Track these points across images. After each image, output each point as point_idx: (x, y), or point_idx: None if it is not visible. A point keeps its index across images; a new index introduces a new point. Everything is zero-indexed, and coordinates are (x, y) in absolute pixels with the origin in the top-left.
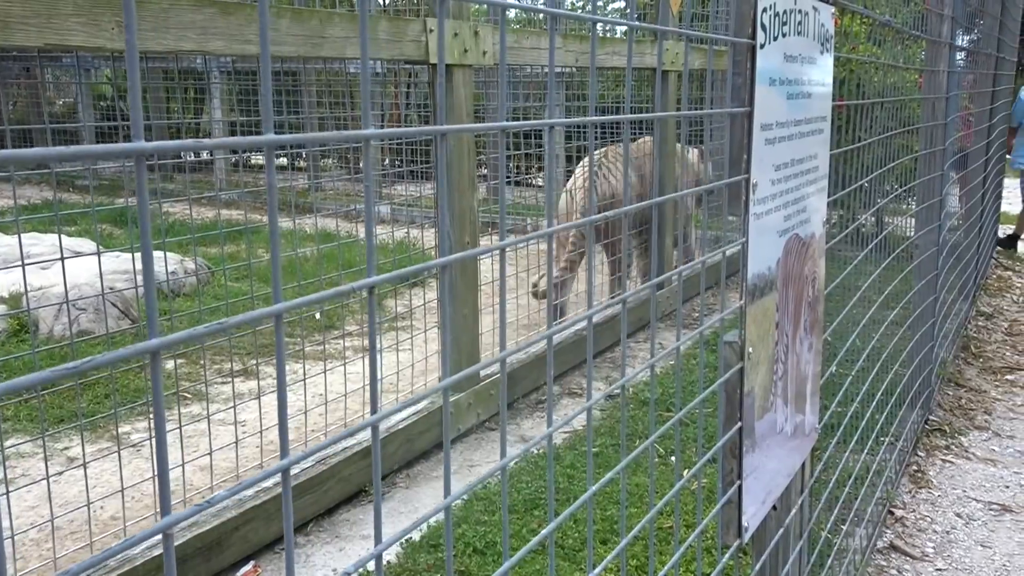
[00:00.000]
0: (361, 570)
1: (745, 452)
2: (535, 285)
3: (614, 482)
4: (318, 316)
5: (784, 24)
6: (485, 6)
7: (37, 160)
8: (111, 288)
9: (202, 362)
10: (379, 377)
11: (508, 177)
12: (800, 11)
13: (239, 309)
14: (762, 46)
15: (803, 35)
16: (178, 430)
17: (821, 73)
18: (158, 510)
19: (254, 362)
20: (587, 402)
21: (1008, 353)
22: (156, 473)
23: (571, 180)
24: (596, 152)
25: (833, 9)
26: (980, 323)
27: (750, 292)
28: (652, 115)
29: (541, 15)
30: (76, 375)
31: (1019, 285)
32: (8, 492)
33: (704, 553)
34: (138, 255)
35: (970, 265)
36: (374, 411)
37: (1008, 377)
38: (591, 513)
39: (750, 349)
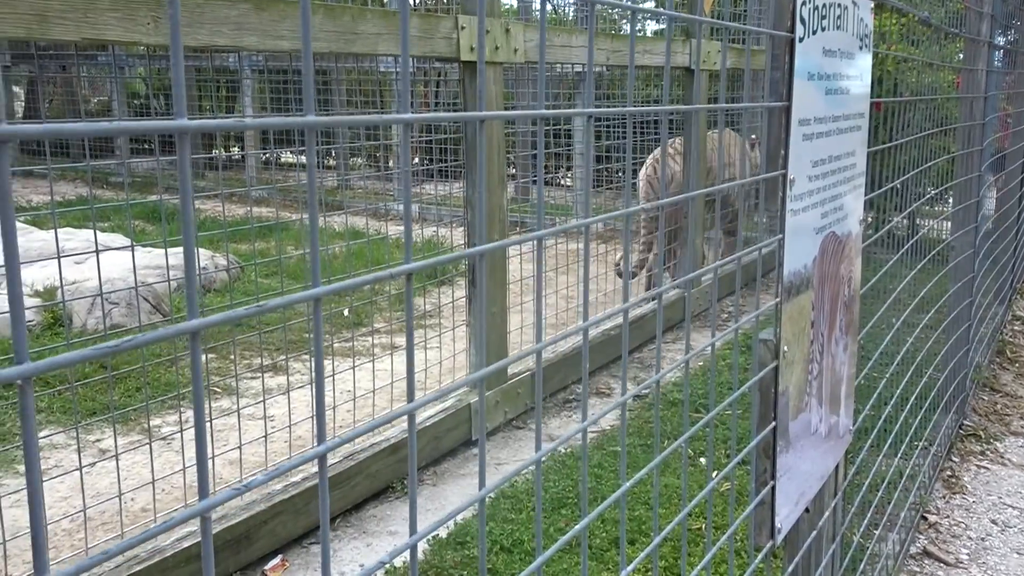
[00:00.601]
0: (388, 567)
1: (779, 452)
2: (617, 264)
3: (642, 482)
4: (346, 313)
5: (823, 18)
6: (516, 4)
7: (39, 136)
8: (143, 283)
9: (232, 357)
10: (413, 365)
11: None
12: (840, 5)
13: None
14: (801, 40)
15: (842, 30)
16: (208, 423)
17: (859, 69)
18: (187, 501)
19: (283, 358)
20: (622, 396)
21: None
22: (196, 456)
23: (644, 168)
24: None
25: (872, 4)
26: (1016, 328)
27: (786, 290)
28: (690, 107)
29: (571, 14)
30: (113, 354)
31: None
32: (41, 482)
33: (734, 555)
34: (171, 250)
35: (1006, 268)
36: (411, 399)
37: None
38: (623, 512)
39: (785, 347)
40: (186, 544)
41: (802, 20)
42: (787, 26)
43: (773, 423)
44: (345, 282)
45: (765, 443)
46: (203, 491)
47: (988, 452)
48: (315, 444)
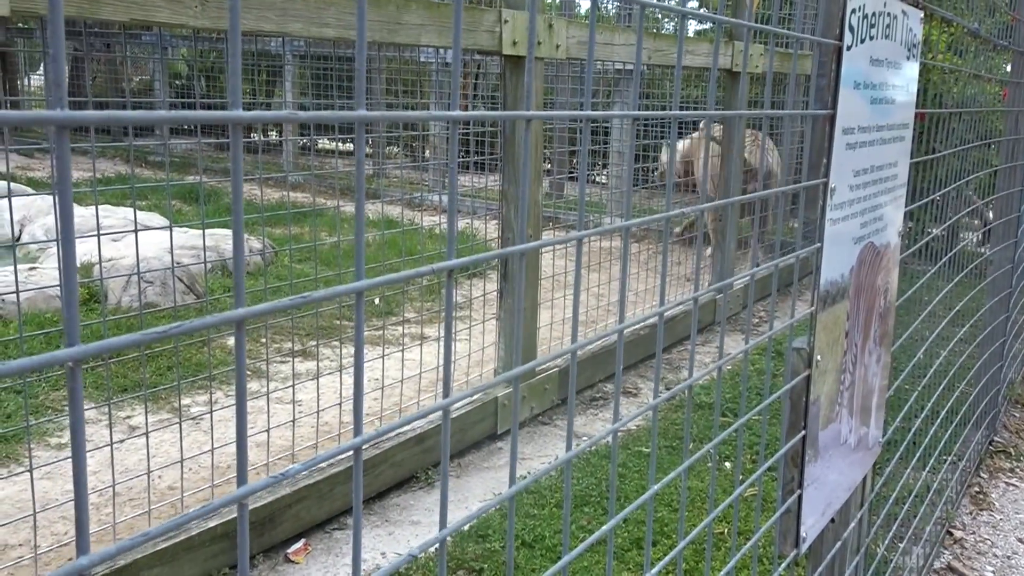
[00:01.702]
0: (390, 564)
1: (807, 461)
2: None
3: (665, 484)
4: (377, 301)
5: (872, 27)
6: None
7: (100, 122)
8: (178, 263)
9: (263, 340)
10: (451, 361)
11: (572, 173)
12: (889, 14)
13: (301, 289)
14: (849, 48)
15: (891, 39)
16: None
17: (906, 79)
18: (214, 482)
19: (313, 343)
20: (653, 400)
21: None
22: (236, 444)
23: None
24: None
25: (922, 14)
26: None
27: (822, 299)
28: (734, 112)
29: (612, 11)
30: (161, 339)
31: None
32: (85, 465)
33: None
34: (208, 231)
35: None
36: (446, 394)
37: None
38: (651, 515)
39: (818, 357)
40: (211, 523)
41: (851, 28)
42: (835, 34)
43: (803, 432)
44: (388, 276)
45: (794, 452)
46: (241, 478)
47: (1018, 470)
48: (345, 434)
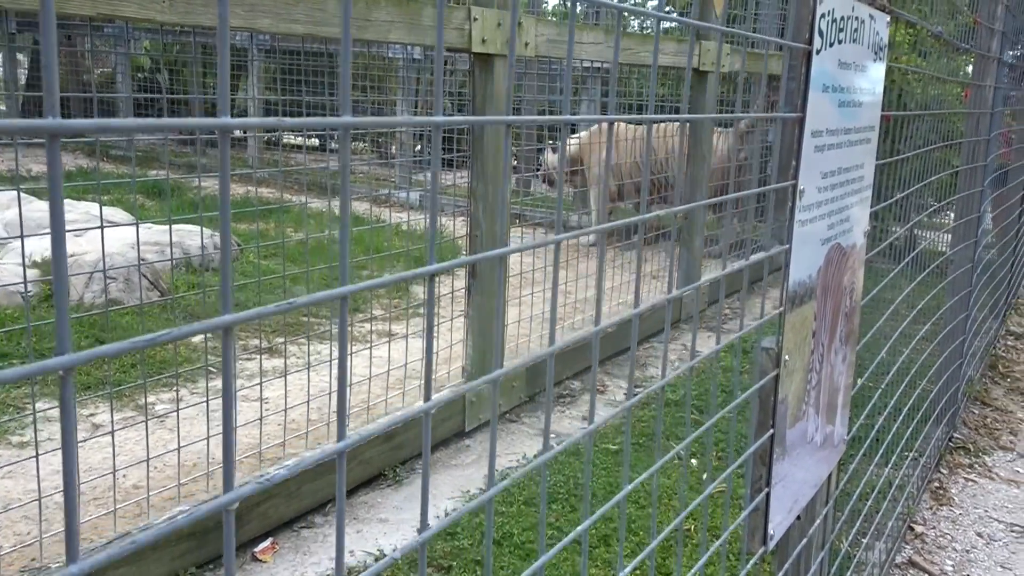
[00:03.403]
0: (376, 555)
1: (775, 460)
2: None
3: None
4: None
5: (841, 31)
6: None
7: (93, 130)
8: (143, 260)
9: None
10: (431, 365)
11: (533, 172)
12: (857, 18)
13: (268, 286)
14: (818, 52)
15: (858, 43)
16: (204, 404)
17: (872, 82)
18: (180, 481)
19: (280, 340)
20: (627, 402)
21: None
22: (223, 451)
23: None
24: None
25: (888, 18)
26: (1009, 343)
27: (790, 299)
28: (707, 116)
29: (585, 11)
30: (149, 347)
31: None
32: (37, 456)
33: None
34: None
35: (1002, 283)
36: (427, 399)
37: None
38: (623, 514)
39: (786, 357)
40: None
41: (820, 32)
42: (805, 38)
43: (771, 431)
44: (370, 281)
45: (762, 450)
46: (228, 484)
47: (976, 465)
48: (313, 432)
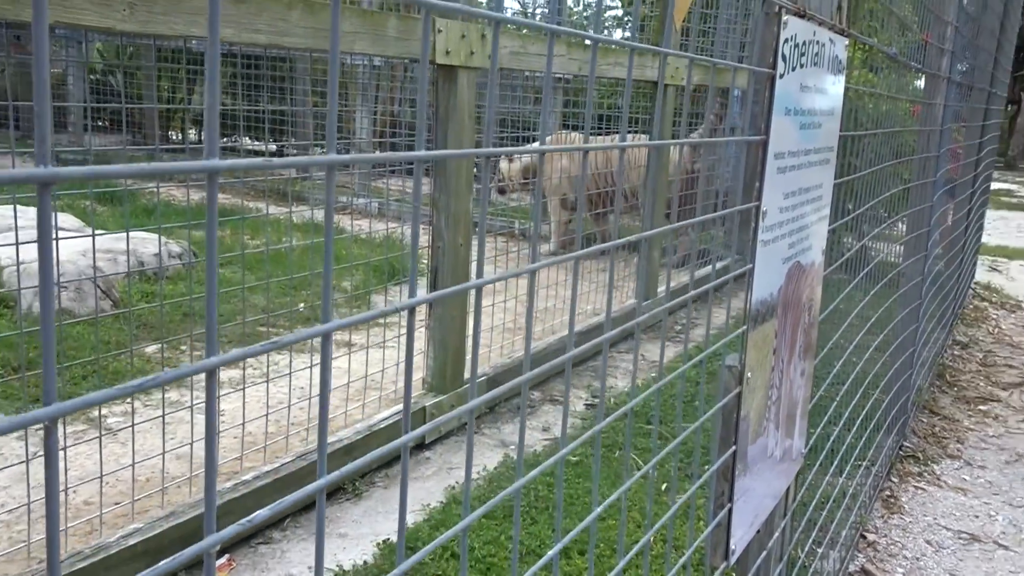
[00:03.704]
0: (337, 569)
1: (737, 476)
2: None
3: (591, 492)
4: (301, 307)
5: (802, 55)
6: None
7: (86, 178)
8: (96, 268)
9: (183, 347)
10: (409, 395)
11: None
12: (818, 42)
13: (228, 297)
14: (781, 76)
15: (819, 66)
16: (159, 418)
17: (832, 103)
18: (135, 497)
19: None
20: (596, 426)
21: (982, 383)
22: (205, 495)
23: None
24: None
25: (847, 41)
26: (956, 352)
27: (752, 318)
28: (681, 141)
29: (538, 17)
30: (137, 392)
31: (995, 316)
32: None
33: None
34: (122, 236)
35: (950, 295)
36: (406, 431)
37: (981, 407)
38: (594, 534)
39: (749, 374)
40: (132, 542)
41: (783, 57)
42: (769, 62)
43: (733, 448)
44: (353, 317)
45: (724, 467)
46: (209, 528)
47: (925, 474)
48: (271, 446)
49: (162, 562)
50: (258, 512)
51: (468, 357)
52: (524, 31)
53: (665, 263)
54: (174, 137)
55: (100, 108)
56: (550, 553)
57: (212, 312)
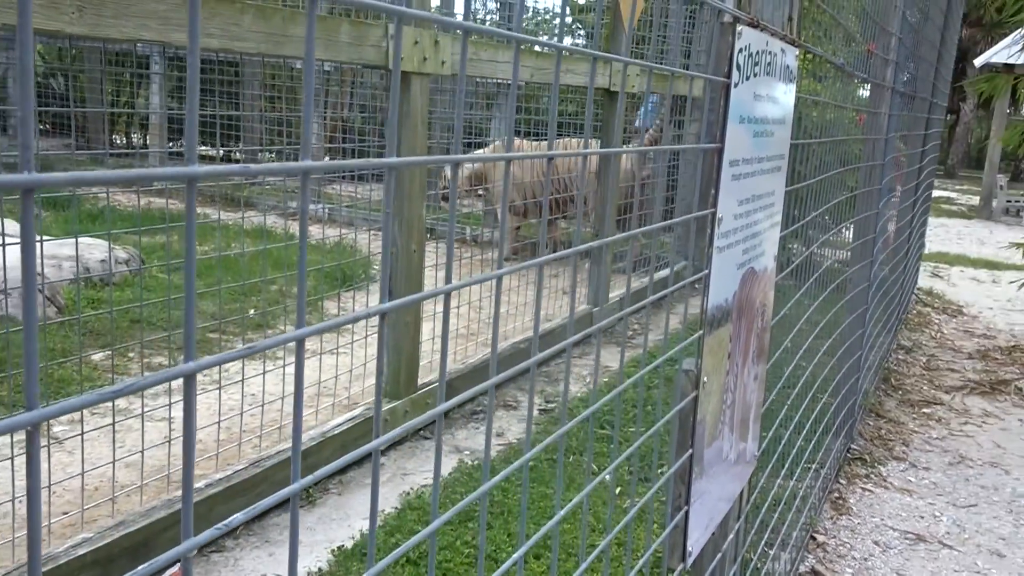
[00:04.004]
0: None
1: (694, 479)
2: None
3: (546, 497)
4: (252, 313)
5: (756, 64)
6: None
7: (68, 184)
8: (37, 274)
9: (131, 355)
10: (380, 403)
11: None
12: (770, 52)
13: (177, 304)
14: (736, 85)
15: (771, 75)
16: (109, 426)
17: (783, 112)
18: (84, 507)
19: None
20: (560, 430)
21: (925, 387)
22: (183, 498)
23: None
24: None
25: (797, 51)
26: (900, 356)
27: (708, 323)
28: (639, 148)
29: (487, 23)
30: (115, 397)
31: (937, 321)
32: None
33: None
34: (66, 241)
35: (894, 301)
36: (376, 435)
37: (925, 410)
38: (556, 538)
39: (705, 378)
40: (81, 551)
41: (738, 66)
42: (724, 72)
43: (690, 451)
44: (325, 323)
45: (681, 470)
46: (186, 532)
47: (872, 475)
48: (223, 454)
49: (140, 567)
50: (235, 516)
51: (422, 363)
52: (474, 37)
53: (618, 268)
54: (118, 141)
55: (42, 112)
56: (515, 556)
57: (190, 317)
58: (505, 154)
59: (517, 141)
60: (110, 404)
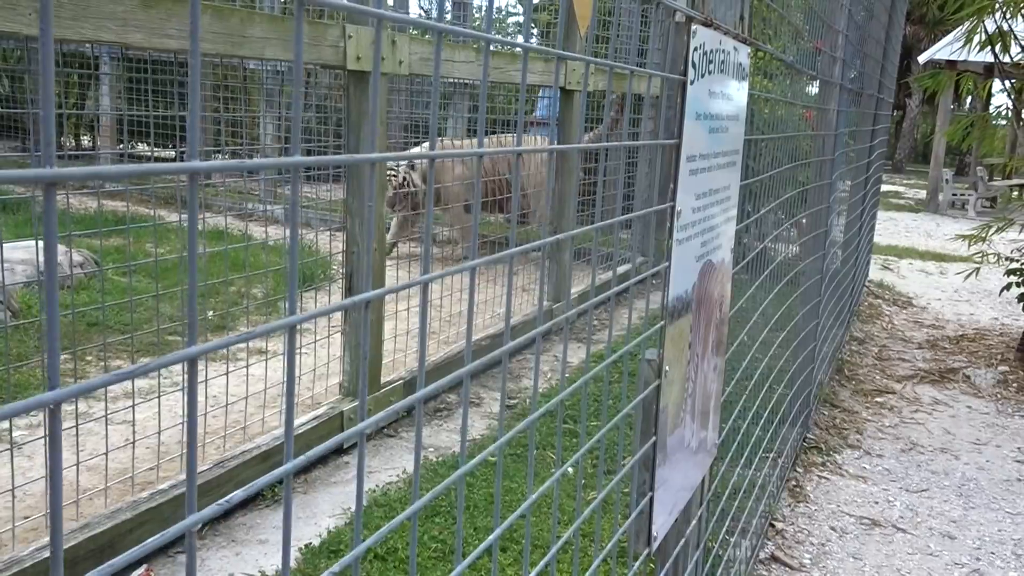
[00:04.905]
0: (256, 572)
1: (657, 465)
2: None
3: (511, 491)
4: (210, 315)
5: (710, 62)
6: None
7: (88, 179)
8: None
9: (88, 358)
10: (364, 395)
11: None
12: (724, 50)
13: (140, 304)
14: (692, 82)
15: (725, 73)
16: (72, 429)
17: (737, 109)
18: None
19: (145, 360)
20: (530, 417)
21: (878, 377)
22: (187, 475)
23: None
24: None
25: (749, 49)
26: (853, 347)
27: (669, 313)
28: (599, 144)
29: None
30: (126, 378)
31: (888, 313)
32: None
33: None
34: (16, 244)
35: (846, 292)
36: (362, 417)
37: (878, 399)
38: (528, 524)
39: (667, 368)
40: (46, 555)
41: (693, 64)
42: (680, 69)
43: (654, 438)
44: (321, 309)
45: (645, 457)
46: (191, 507)
47: (828, 464)
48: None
49: (149, 540)
50: (234, 493)
51: (384, 362)
52: (428, 36)
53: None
54: (68, 144)
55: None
56: (490, 539)
57: (193, 303)
58: (480, 150)
59: (457, 141)
60: (75, 408)
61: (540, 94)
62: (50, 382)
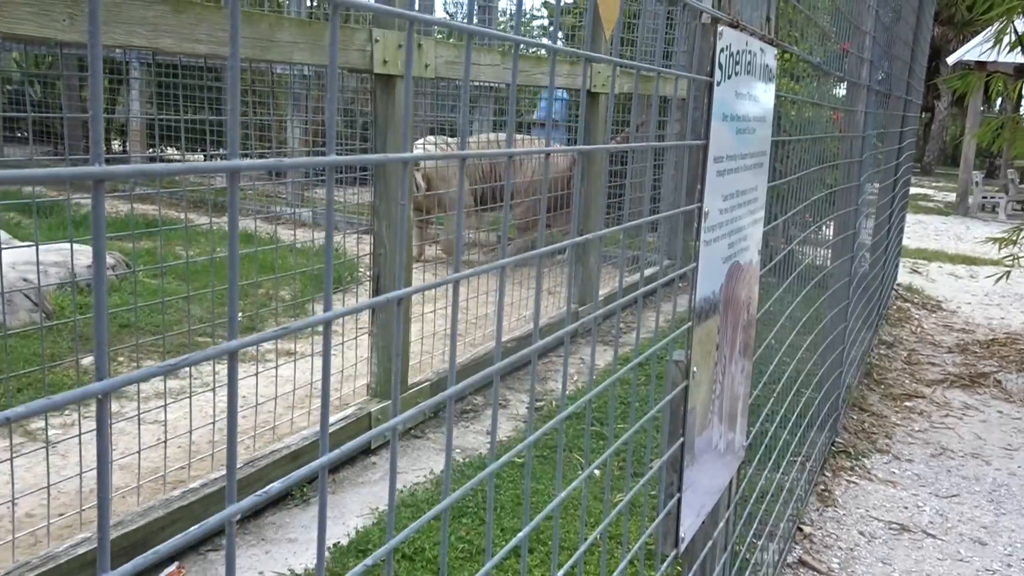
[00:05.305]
0: (290, 573)
1: (685, 466)
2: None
3: (538, 492)
4: (240, 317)
5: (737, 63)
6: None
7: (135, 176)
8: (25, 279)
9: (120, 359)
10: (398, 392)
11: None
12: (750, 51)
13: (172, 305)
14: (719, 84)
15: (752, 74)
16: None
17: (764, 110)
18: (82, 507)
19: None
20: (559, 415)
21: (907, 381)
22: (227, 468)
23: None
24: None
25: (776, 51)
26: (882, 351)
27: (697, 315)
28: (630, 146)
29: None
30: (171, 370)
31: (917, 316)
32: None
33: (628, 564)
34: (52, 247)
35: (874, 296)
36: (394, 414)
37: (907, 403)
38: (556, 523)
39: (694, 369)
40: (81, 551)
41: (720, 66)
42: (707, 71)
43: (681, 439)
44: (355, 305)
45: (673, 458)
46: (231, 497)
47: (857, 468)
48: (218, 454)
49: (190, 528)
50: (272, 484)
51: (411, 363)
52: (452, 40)
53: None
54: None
55: (16, 119)
56: (518, 536)
57: (234, 298)
58: (510, 150)
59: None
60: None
61: (540, 95)
62: (98, 372)
